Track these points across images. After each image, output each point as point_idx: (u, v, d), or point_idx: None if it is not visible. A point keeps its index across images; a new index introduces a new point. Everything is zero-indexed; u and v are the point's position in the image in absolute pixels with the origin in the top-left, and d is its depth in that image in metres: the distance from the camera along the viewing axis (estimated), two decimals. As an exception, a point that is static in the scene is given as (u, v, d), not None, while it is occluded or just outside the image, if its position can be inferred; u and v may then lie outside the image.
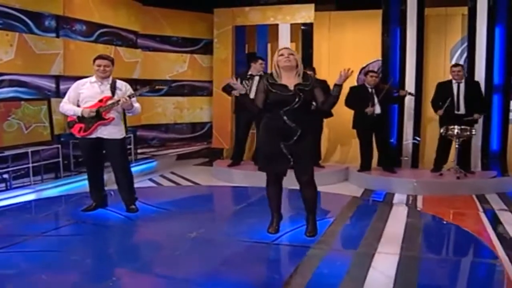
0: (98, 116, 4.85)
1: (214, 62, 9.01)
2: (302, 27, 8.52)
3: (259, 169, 4.35)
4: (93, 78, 4.99)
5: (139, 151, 7.93)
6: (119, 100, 4.82)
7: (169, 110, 9.17)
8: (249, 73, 7.38)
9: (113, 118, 4.91)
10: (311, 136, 4.26)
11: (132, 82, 8.24)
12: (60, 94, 6.99)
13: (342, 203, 5.58)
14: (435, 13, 8.05)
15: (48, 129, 6.65)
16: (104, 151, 5.06)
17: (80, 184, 6.44)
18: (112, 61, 5.01)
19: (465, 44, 8.05)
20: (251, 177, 6.96)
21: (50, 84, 7.01)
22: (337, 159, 8.34)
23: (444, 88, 7.03)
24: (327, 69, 8.42)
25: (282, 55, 4.11)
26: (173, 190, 6.85)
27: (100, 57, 4.98)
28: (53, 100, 6.81)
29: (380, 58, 8.47)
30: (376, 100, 6.95)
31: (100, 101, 4.90)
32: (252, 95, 7.09)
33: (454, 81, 6.98)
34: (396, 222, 4.80)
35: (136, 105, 5.04)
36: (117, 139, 4.97)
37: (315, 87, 4.16)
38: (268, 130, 4.21)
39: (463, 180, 6.61)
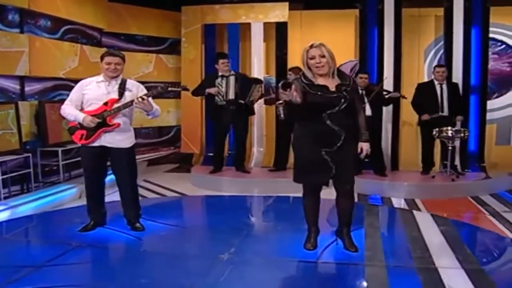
0: (102, 122, 4.36)
1: (182, 63, 8.69)
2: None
3: (294, 180, 3.99)
4: (99, 77, 4.48)
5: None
6: (131, 102, 4.34)
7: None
8: (219, 73, 7.10)
9: (119, 125, 4.42)
10: (353, 142, 3.88)
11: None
12: (25, 97, 6.41)
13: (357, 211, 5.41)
14: (409, 13, 8.07)
15: (16, 136, 5.99)
16: (108, 162, 4.57)
17: (57, 197, 5.98)
18: (123, 58, 4.49)
19: (439, 45, 8.18)
20: (239, 185, 6.82)
21: (14, 86, 6.32)
22: None
23: (426, 89, 7.03)
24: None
25: (313, 58, 3.74)
26: (168, 203, 6.37)
27: (110, 53, 4.48)
28: (20, 103, 6.20)
29: (353, 59, 8.49)
30: (366, 101, 6.84)
31: (105, 104, 4.39)
32: (231, 94, 6.98)
33: (436, 82, 7.00)
34: (429, 230, 4.69)
35: (156, 106, 4.56)
36: (123, 148, 4.49)
37: (353, 87, 3.82)
38: (306, 136, 3.84)
39: (457, 182, 6.62)
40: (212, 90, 6.97)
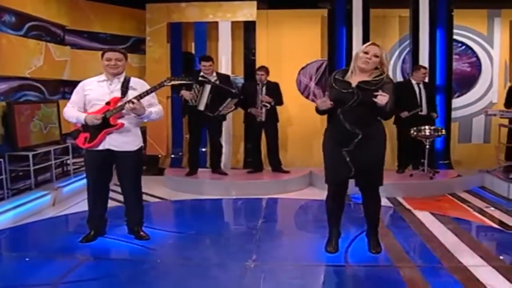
0: (105, 123, 4.16)
1: (147, 62, 8.48)
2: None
3: (325, 181, 4.01)
4: (101, 77, 4.29)
5: (68, 161, 7.12)
6: (122, 106, 4.12)
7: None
8: (201, 74, 7.00)
9: (122, 125, 4.21)
10: (378, 143, 3.86)
11: (61, 84, 7.54)
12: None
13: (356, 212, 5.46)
14: (374, 14, 8.26)
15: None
16: (114, 166, 4.38)
17: (32, 205, 5.64)
18: (124, 54, 4.31)
19: (403, 45, 8.44)
20: (220, 187, 6.79)
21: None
22: (298, 162, 8.11)
23: (404, 89, 7.20)
24: (265, 69, 8.28)
25: (367, 52, 3.72)
26: (158, 208, 6.14)
27: (110, 49, 4.31)
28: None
29: (319, 58, 8.61)
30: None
31: (108, 103, 4.20)
32: (202, 105, 6.87)
33: (414, 82, 7.24)
34: (438, 229, 4.82)
35: (154, 108, 4.32)
36: (129, 151, 4.29)
37: (382, 89, 3.68)
38: (330, 136, 3.89)
39: (434, 180, 6.86)
40: (186, 95, 6.86)
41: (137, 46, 8.72)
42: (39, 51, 6.73)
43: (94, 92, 4.25)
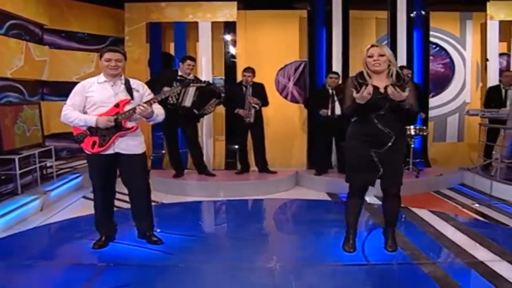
0: (115, 126, 4.07)
1: (126, 62, 8.36)
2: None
3: (346, 179, 4.09)
4: (101, 78, 4.19)
5: (48, 164, 6.95)
6: (133, 110, 4.06)
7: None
8: (179, 73, 6.97)
9: (136, 128, 4.17)
10: (403, 144, 4.01)
11: (39, 84, 7.40)
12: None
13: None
14: (351, 15, 8.41)
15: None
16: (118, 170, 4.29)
17: (22, 210, 5.44)
18: (124, 54, 4.22)
19: (380, 47, 8.64)
20: (209, 189, 6.80)
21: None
22: (277, 163, 8.11)
23: None
24: (244, 70, 8.33)
25: (371, 56, 3.84)
26: (157, 211, 5.88)
27: (110, 49, 4.20)
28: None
29: (298, 59, 8.72)
30: (336, 100, 7.06)
31: (116, 106, 4.10)
32: (188, 102, 6.87)
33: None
34: (443, 227, 4.99)
35: (158, 110, 4.27)
36: (137, 154, 4.22)
37: (406, 89, 3.81)
38: (356, 137, 3.95)
39: (420, 178, 7.07)
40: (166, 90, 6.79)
41: (115, 46, 8.57)
42: (20, 51, 6.60)
43: (97, 94, 4.13)
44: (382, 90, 3.84)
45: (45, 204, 5.83)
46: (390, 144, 3.85)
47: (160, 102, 4.44)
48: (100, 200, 4.33)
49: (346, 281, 3.68)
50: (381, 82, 3.88)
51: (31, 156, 6.32)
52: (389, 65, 3.89)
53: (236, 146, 7.92)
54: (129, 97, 4.16)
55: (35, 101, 7.06)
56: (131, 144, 4.20)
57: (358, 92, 3.75)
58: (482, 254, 4.13)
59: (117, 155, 4.19)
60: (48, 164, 6.86)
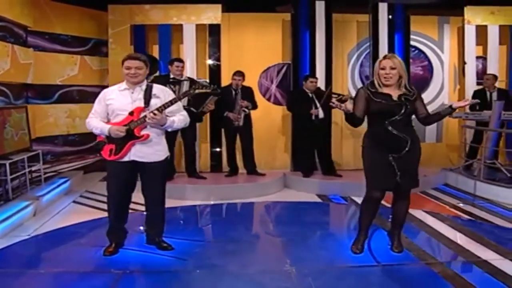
0: (130, 134, 4.09)
1: (110, 65, 8.31)
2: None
3: (367, 186, 4.21)
4: (122, 85, 4.20)
5: (34, 168, 6.85)
6: (144, 118, 4.07)
7: (62, 119, 8.21)
8: (171, 76, 7.03)
9: (148, 136, 4.16)
10: (418, 146, 4.14)
11: (24, 88, 7.31)
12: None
13: (347, 212, 5.77)
14: (333, 19, 8.58)
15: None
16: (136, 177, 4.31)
17: (18, 217, 5.37)
18: (145, 62, 4.21)
19: (361, 49, 8.86)
20: (200, 191, 6.82)
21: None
22: (261, 165, 8.14)
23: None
24: (228, 72, 8.36)
25: (383, 68, 4.01)
26: None
27: (130, 57, 4.20)
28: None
29: (281, 62, 8.84)
30: (318, 104, 7.21)
31: (131, 114, 4.12)
32: (184, 100, 6.88)
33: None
34: (441, 227, 5.17)
35: (177, 117, 4.26)
36: (155, 162, 4.22)
37: (417, 98, 4.09)
38: (374, 143, 4.08)
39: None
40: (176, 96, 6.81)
41: (97, 48, 8.58)
42: (6, 53, 6.50)
43: (116, 101, 4.16)
44: (395, 98, 4.02)
45: (38, 210, 5.78)
46: (407, 148, 4.01)
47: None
48: (115, 207, 4.33)
49: (363, 282, 3.80)
50: (392, 90, 4.06)
51: (19, 161, 6.24)
52: (400, 77, 4.05)
53: (218, 149, 8.04)
54: (144, 105, 4.15)
55: (20, 104, 6.98)
56: (148, 152, 4.21)
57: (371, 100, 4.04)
58: (484, 253, 4.32)
59: (135, 162, 4.19)
60: (34, 168, 6.81)
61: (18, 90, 7.08)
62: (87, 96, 8.33)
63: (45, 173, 7.19)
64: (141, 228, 4.79)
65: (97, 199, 6.68)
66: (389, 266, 4.07)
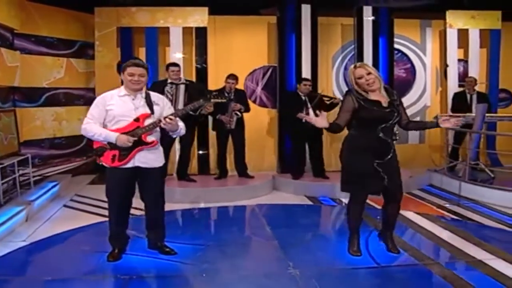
0: (138, 140, 4.09)
1: (96, 67, 8.30)
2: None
3: (342, 189, 4.28)
4: (121, 91, 4.17)
5: (22, 172, 6.80)
6: (159, 121, 4.09)
7: (48, 122, 8.19)
8: (169, 81, 7.07)
9: (157, 142, 4.20)
10: (396, 152, 4.25)
11: (11, 91, 7.29)
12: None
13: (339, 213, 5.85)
14: (319, 22, 8.69)
15: None
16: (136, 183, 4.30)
17: (12, 222, 5.31)
18: (147, 69, 4.20)
19: (345, 52, 9.01)
20: (190, 194, 6.86)
21: None
22: (249, 167, 8.06)
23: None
24: (214, 75, 8.45)
25: (361, 77, 4.05)
26: None
27: (133, 63, 4.14)
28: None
29: (267, 64, 8.93)
30: (310, 107, 7.31)
31: (136, 120, 4.10)
32: (180, 105, 6.92)
33: None
34: (433, 228, 5.29)
35: (181, 123, 4.29)
36: (157, 167, 4.24)
37: (400, 104, 4.20)
38: (358, 149, 4.14)
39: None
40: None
41: (83, 50, 8.58)
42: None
43: (118, 107, 4.13)
44: (385, 104, 4.10)
45: (29, 215, 5.76)
46: (391, 154, 4.15)
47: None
48: (116, 213, 4.32)
49: (367, 284, 3.90)
50: (378, 96, 4.12)
51: (8, 165, 6.21)
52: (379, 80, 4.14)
53: (201, 152, 8.14)
54: (149, 111, 4.17)
55: (8, 108, 6.95)
56: (150, 158, 4.22)
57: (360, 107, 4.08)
58: (478, 253, 4.44)
59: (136, 168, 4.19)
60: (22, 172, 6.77)
61: (5, 93, 7.06)
62: (73, 98, 8.32)
63: (33, 176, 7.17)
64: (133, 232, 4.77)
65: (87, 202, 6.67)
66: (389, 267, 4.16)
